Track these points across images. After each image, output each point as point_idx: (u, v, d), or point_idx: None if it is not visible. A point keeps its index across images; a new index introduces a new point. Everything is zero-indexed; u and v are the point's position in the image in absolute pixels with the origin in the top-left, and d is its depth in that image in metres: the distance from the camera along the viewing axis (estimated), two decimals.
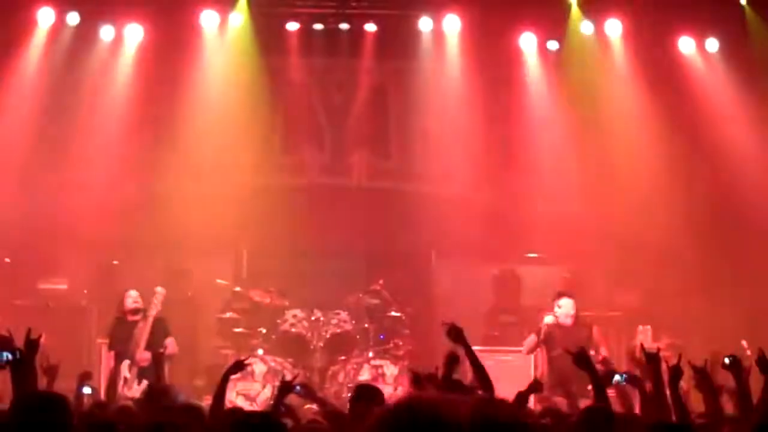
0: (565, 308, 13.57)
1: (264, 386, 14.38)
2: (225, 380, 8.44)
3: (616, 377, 9.16)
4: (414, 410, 1.99)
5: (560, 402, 10.97)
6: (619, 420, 7.12)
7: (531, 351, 13.92)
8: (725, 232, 16.17)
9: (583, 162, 16.76)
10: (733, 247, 16.07)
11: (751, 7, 16.19)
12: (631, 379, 9.29)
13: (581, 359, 8.42)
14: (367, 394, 8.34)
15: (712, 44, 16.71)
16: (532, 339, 13.64)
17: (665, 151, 16.62)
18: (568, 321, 13.49)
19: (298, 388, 9.11)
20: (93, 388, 11.95)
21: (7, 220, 16.18)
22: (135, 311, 13.45)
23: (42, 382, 8.80)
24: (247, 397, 14.29)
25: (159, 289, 13.65)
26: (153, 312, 13.37)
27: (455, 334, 8.92)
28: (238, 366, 9.14)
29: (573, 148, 16.79)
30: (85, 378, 11.06)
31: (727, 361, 8.62)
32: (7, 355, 7.48)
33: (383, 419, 1.99)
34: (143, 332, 13.15)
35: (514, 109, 17.15)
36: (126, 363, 13.01)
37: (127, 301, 13.57)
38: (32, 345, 7.99)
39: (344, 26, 17.01)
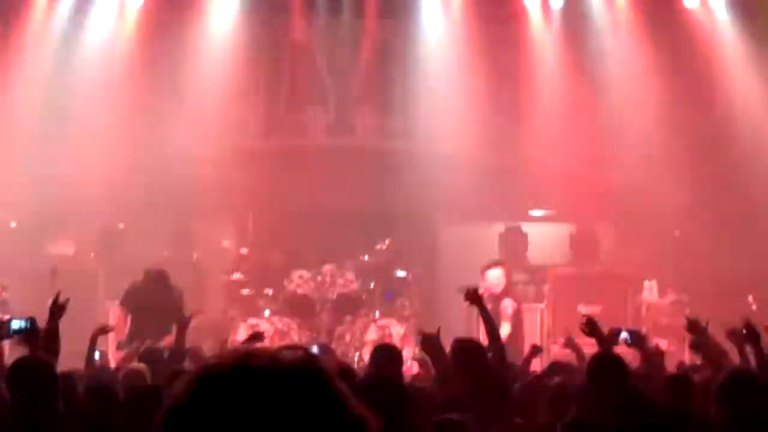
0: (490, 279, 13.82)
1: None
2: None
3: (624, 334, 9.08)
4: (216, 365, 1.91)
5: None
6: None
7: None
8: (730, 191, 16.07)
9: (589, 120, 16.66)
10: (737, 205, 15.97)
11: None
12: (635, 338, 9.24)
13: (590, 326, 8.39)
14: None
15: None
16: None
17: (671, 110, 16.49)
18: (497, 290, 13.76)
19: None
20: (101, 352, 11.95)
21: (13, 185, 16.14)
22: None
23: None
24: None
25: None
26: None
27: (473, 296, 9.01)
28: (256, 337, 9.14)
29: (579, 106, 16.67)
30: (101, 332, 11.01)
31: (745, 330, 8.53)
32: (19, 324, 7.48)
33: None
34: None
35: (520, 67, 17.04)
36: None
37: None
38: (59, 309, 8.07)
39: None
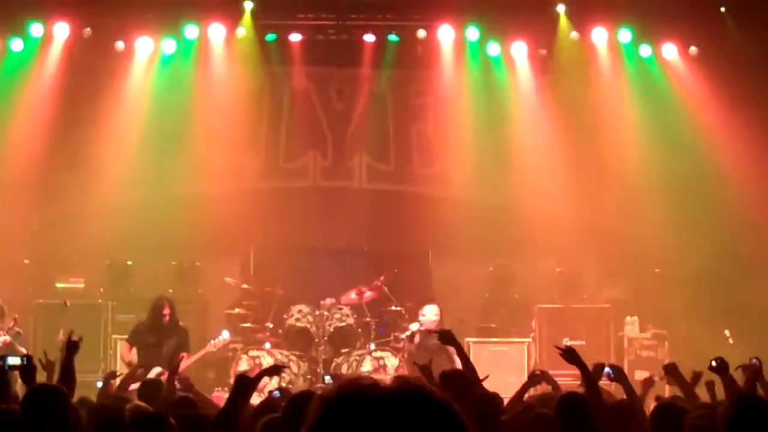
0: (428, 315, 14.19)
1: (271, 378, 14.33)
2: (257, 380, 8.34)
3: (606, 370, 9.27)
4: (343, 392, 2.08)
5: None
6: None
7: (409, 354, 14.17)
8: (707, 229, 16.20)
9: (572, 164, 16.83)
10: (714, 243, 16.11)
11: (730, 15, 16.20)
12: (616, 372, 9.46)
13: (570, 354, 8.55)
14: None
15: (693, 51, 16.72)
16: (407, 346, 14.36)
17: (650, 152, 16.69)
18: (433, 326, 13.94)
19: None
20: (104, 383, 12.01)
21: (26, 224, 16.27)
22: (166, 327, 13.55)
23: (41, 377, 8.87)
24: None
25: (225, 334, 13.85)
26: (209, 349, 13.59)
27: (446, 337, 9.29)
28: (276, 370, 9.18)
29: (563, 151, 16.86)
30: (110, 377, 11.13)
31: (714, 363, 8.74)
32: (15, 360, 7.60)
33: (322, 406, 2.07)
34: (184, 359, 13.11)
35: (506, 114, 17.19)
36: (156, 370, 12.85)
37: (164, 312, 13.66)
38: (73, 346, 8.17)
39: (344, 37, 17.05)
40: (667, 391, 12.21)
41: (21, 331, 13.98)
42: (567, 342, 15.30)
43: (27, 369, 7.63)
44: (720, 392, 8.89)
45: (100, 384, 11.66)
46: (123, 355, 13.91)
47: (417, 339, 14.15)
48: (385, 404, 2.03)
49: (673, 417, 6.93)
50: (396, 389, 2.07)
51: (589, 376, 8.34)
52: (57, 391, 6.68)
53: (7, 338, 13.10)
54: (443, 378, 8.67)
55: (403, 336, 14.48)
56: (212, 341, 13.85)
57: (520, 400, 9.46)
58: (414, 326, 14.17)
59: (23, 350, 13.14)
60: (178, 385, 11.19)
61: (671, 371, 9.54)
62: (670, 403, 7.78)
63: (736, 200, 16.06)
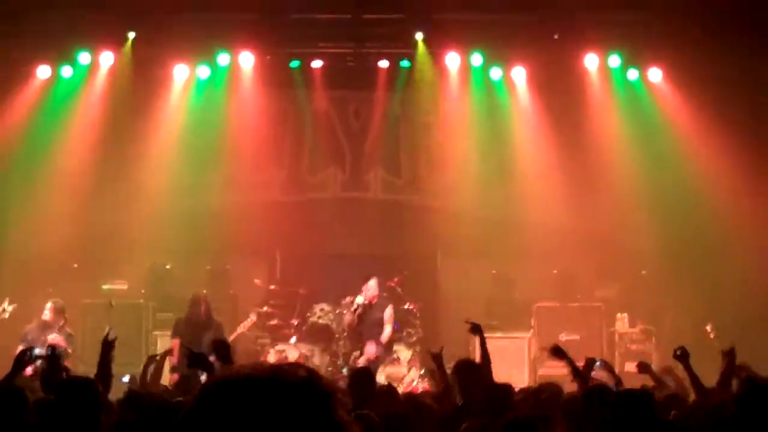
0: (371, 289, 14.37)
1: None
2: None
3: (597, 363, 9.38)
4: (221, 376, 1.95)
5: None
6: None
7: (349, 325, 14.56)
8: (690, 232, 16.30)
9: (567, 177, 16.87)
10: (696, 245, 16.21)
11: (708, 41, 16.26)
12: (605, 365, 9.64)
13: (556, 352, 8.68)
14: None
15: (659, 74, 16.82)
16: (347, 317, 14.57)
17: (637, 166, 16.78)
18: (374, 299, 14.35)
19: None
20: (132, 376, 12.06)
21: (75, 231, 16.40)
22: (204, 322, 13.58)
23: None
24: None
25: (252, 316, 13.91)
26: (240, 331, 13.60)
27: (476, 329, 9.45)
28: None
29: (559, 165, 16.91)
30: (151, 361, 11.16)
31: (677, 352, 8.81)
32: (39, 351, 7.66)
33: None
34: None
35: (507, 132, 17.27)
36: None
37: (201, 309, 13.71)
38: (108, 344, 8.20)
39: (361, 63, 17.16)
40: None
41: (72, 333, 14.01)
42: (563, 337, 15.46)
43: (52, 359, 7.65)
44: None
45: (125, 379, 11.68)
46: (174, 356, 13.68)
47: (360, 311, 14.28)
48: (248, 386, 1.87)
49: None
50: (267, 372, 1.92)
51: (575, 368, 8.48)
52: (88, 382, 6.72)
53: (60, 339, 13.05)
54: (458, 366, 8.77)
55: (348, 309, 14.54)
56: (241, 324, 13.84)
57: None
58: (359, 299, 14.26)
59: (69, 350, 13.21)
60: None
61: (643, 368, 10.05)
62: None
63: (715, 208, 16.12)
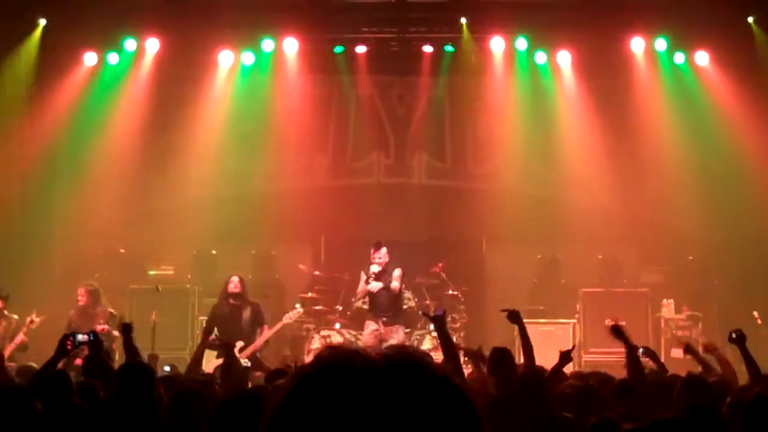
0: (383, 254, 14.07)
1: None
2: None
3: (640, 351, 9.30)
4: (329, 360, 1.64)
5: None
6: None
7: (362, 294, 14.24)
8: (737, 220, 16.09)
9: (613, 161, 16.78)
10: (744, 230, 16.02)
11: (757, 24, 16.07)
12: (648, 351, 9.56)
13: (616, 332, 8.54)
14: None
15: (706, 57, 16.67)
16: (360, 286, 14.18)
17: (684, 150, 16.62)
18: (386, 262, 14.04)
19: None
20: (172, 366, 12.12)
21: (123, 218, 16.55)
22: (236, 295, 13.43)
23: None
24: None
25: (298, 307, 13.90)
26: (286, 321, 13.55)
27: (514, 317, 9.31)
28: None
29: (604, 149, 16.81)
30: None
31: (733, 335, 8.73)
32: (83, 337, 7.73)
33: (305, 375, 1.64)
34: (264, 331, 13.14)
35: (552, 116, 17.18)
36: (240, 344, 12.63)
37: (229, 286, 13.57)
38: (126, 328, 8.36)
39: (405, 48, 17.13)
40: None
41: (115, 312, 14.01)
42: (609, 323, 15.33)
43: (94, 344, 7.72)
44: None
45: (167, 368, 11.75)
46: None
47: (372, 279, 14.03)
48: (370, 375, 1.59)
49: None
50: (386, 359, 1.63)
51: (633, 352, 8.33)
52: (144, 369, 6.83)
53: (106, 326, 13.12)
54: (492, 355, 8.69)
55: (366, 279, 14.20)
56: (287, 314, 13.79)
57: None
58: (374, 268, 14.00)
59: (116, 333, 13.24)
60: (248, 363, 11.32)
61: (689, 350, 9.96)
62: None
63: (763, 192, 15.94)
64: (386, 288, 13.92)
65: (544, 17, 16.22)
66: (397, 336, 13.88)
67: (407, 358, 1.64)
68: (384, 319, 13.86)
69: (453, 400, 1.61)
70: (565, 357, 9.51)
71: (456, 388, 1.64)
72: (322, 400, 1.57)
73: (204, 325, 14.55)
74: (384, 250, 14.15)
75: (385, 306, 13.94)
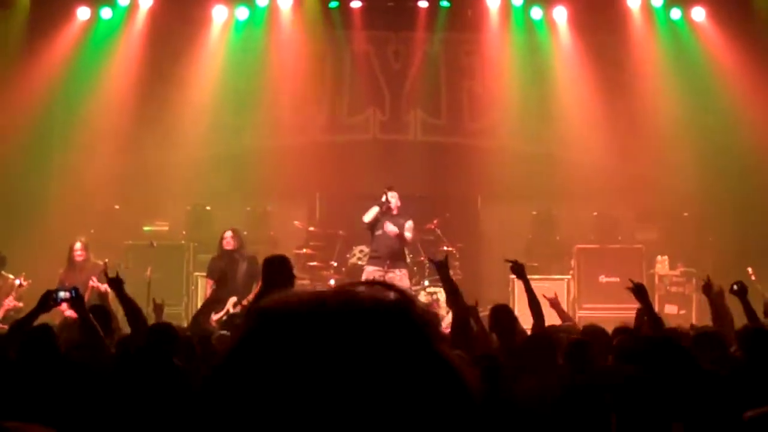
0: (395, 198, 13.95)
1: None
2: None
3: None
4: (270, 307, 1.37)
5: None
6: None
7: (370, 219, 13.94)
8: (732, 174, 16.10)
9: (609, 117, 16.70)
10: (739, 187, 15.99)
11: None
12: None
13: (639, 291, 8.53)
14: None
15: (702, 13, 16.66)
16: (373, 210, 13.91)
17: (679, 107, 16.56)
18: (395, 210, 13.92)
19: None
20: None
21: (117, 173, 16.48)
22: (230, 252, 13.40)
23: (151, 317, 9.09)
24: None
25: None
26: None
27: (518, 269, 9.16)
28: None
29: (600, 105, 16.73)
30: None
31: (735, 287, 8.74)
32: (65, 293, 7.69)
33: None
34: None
35: (548, 72, 17.10)
36: (233, 300, 12.60)
37: (223, 243, 13.56)
38: (115, 281, 8.30)
39: (400, 3, 17.03)
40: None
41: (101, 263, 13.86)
42: (603, 279, 15.38)
43: (75, 300, 7.69)
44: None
45: None
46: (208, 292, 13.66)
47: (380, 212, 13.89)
48: (312, 320, 1.33)
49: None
50: (341, 296, 1.36)
51: (653, 312, 8.35)
52: (168, 328, 6.94)
53: (104, 286, 13.05)
54: (493, 312, 8.63)
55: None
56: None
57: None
58: (393, 201, 13.91)
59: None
60: None
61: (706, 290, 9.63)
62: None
63: (758, 149, 15.90)
64: (400, 236, 13.83)
65: None
66: (402, 283, 13.63)
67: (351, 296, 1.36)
68: (388, 262, 13.79)
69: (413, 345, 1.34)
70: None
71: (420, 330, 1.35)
72: (262, 352, 1.33)
73: (200, 281, 14.59)
74: (396, 193, 14.05)
75: (391, 252, 13.82)
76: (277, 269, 7.73)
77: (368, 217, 13.94)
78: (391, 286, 1.39)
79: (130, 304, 8.00)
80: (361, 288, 1.37)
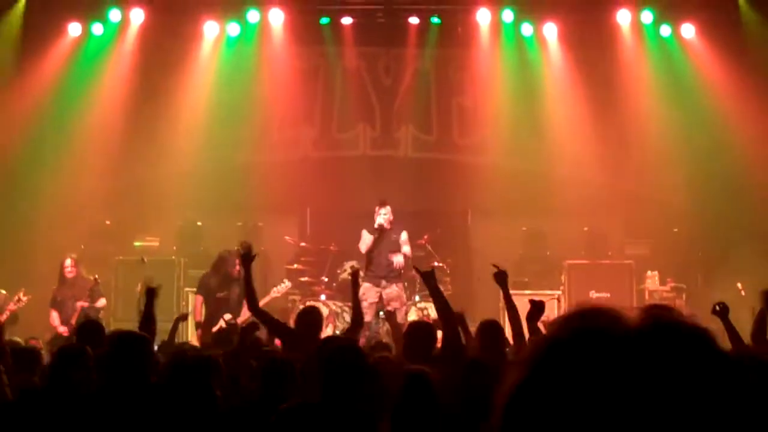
0: (388, 212, 13.99)
1: (326, 326, 14.39)
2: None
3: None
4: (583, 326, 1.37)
5: None
6: None
7: (368, 247, 13.99)
8: (722, 190, 16.10)
9: (598, 134, 16.73)
10: (728, 203, 16.00)
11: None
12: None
13: (499, 277, 8.56)
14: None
15: (692, 30, 16.72)
16: (368, 237, 13.94)
17: (669, 123, 16.63)
18: (388, 225, 13.95)
19: None
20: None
21: (108, 189, 16.47)
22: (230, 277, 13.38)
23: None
24: None
25: (286, 282, 13.83)
26: (273, 295, 13.63)
27: (501, 278, 9.02)
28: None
29: (590, 122, 16.77)
30: (182, 319, 11.18)
31: (717, 308, 8.69)
32: None
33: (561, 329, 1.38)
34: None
35: (538, 88, 17.14)
36: (227, 316, 12.66)
37: (228, 268, 13.36)
38: (151, 293, 8.11)
39: (391, 20, 17.06)
40: None
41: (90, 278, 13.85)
42: (594, 295, 15.39)
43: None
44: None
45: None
46: (196, 312, 13.63)
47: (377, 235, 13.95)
48: (631, 341, 1.34)
49: None
50: (647, 322, 1.36)
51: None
52: (139, 337, 6.68)
53: (86, 303, 13.04)
54: (481, 327, 8.60)
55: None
56: (275, 288, 13.81)
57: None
58: (380, 219, 13.91)
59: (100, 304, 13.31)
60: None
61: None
62: None
63: (748, 165, 15.95)
64: (405, 262, 13.90)
65: None
66: (399, 299, 13.88)
67: (669, 318, 1.39)
68: (384, 281, 13.83)
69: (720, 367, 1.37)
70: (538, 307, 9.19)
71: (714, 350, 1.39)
72: (578, 371, 1.32)
73: (190, 297, 14.57)
74: (389, 207, 14.11)
75: (388, 271, 13.88)
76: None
77: (365, 247, 14.01)
78: (670, 308, 1.44)
79: (149, 321, 7.81)
80: (657, 311, 1.41)
